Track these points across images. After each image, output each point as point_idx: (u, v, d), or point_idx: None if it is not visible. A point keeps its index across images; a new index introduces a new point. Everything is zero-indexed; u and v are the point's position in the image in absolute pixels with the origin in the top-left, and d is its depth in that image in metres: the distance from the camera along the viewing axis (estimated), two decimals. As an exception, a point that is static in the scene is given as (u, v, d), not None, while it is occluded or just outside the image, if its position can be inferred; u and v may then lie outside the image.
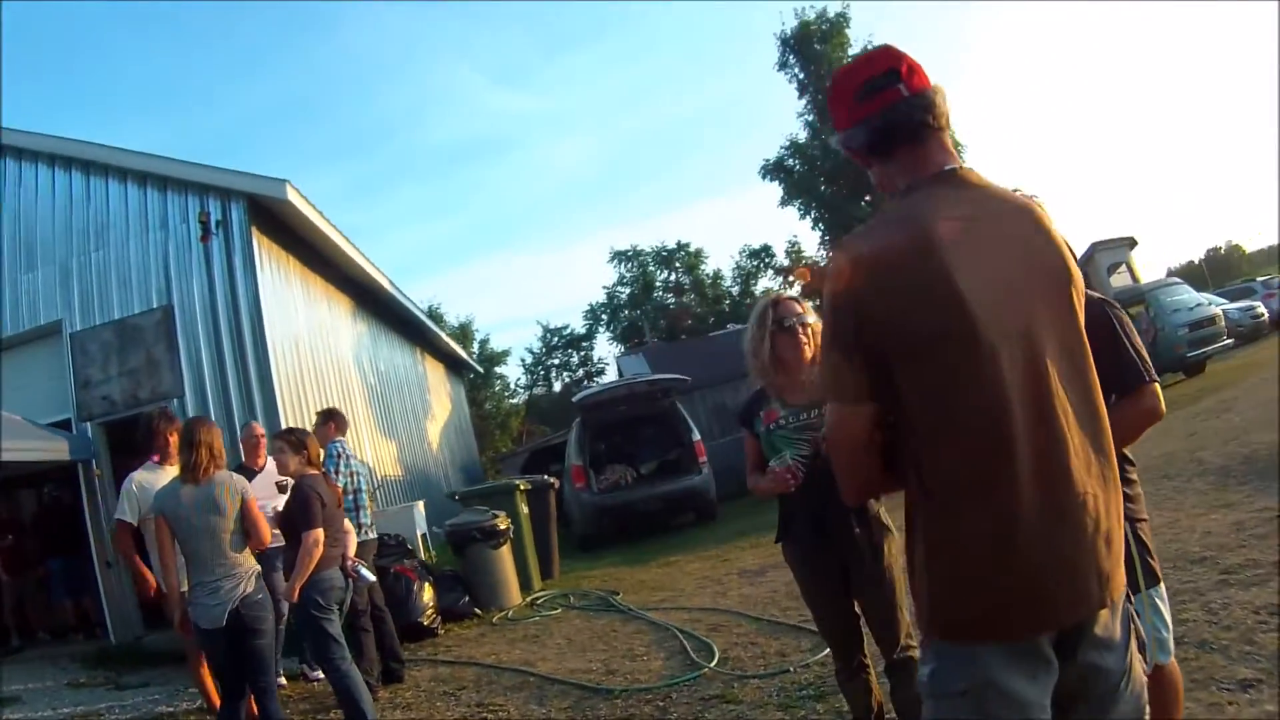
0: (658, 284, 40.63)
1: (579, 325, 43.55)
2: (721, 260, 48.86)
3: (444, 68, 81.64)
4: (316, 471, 4.64)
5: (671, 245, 40.69)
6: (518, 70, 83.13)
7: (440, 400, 19.16)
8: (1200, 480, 6.65)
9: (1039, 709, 1.33)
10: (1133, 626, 1.47)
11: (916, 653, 2.70)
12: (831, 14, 22.57)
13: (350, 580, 4.62)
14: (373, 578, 5.11)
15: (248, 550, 4.01)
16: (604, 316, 41.74)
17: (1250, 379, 12.24)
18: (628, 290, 40.75)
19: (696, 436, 12.87)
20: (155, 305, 8.32)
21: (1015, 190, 1.58)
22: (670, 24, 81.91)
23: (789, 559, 2.99)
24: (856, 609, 2.87)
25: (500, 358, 43.43)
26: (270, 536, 4.17)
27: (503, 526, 7.72)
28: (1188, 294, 16.76)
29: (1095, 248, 17.33)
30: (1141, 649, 1.92)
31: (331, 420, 6.02)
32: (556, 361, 45.56)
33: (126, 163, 8.71)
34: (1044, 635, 1.33)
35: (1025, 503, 1.30)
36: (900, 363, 1.34)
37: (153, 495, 4.33)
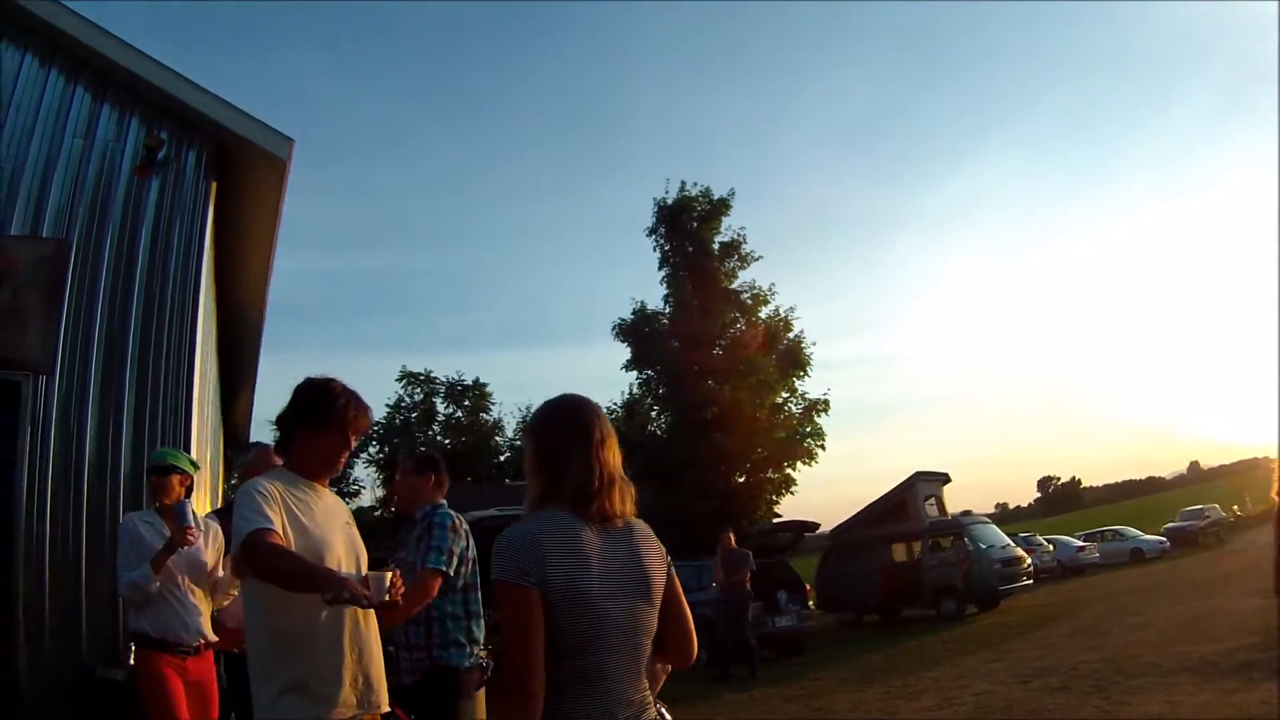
0: (440, 416, 37.56)
1: (353, 438, 38.75)
2: (510, 409, 44.66)
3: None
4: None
5: (468, 380, 37.39)
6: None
7: (214, 483, 15.83)
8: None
9: None
10: None
11: None
12: (715, 196, 22.03)
13: None
14: None
15: None
16: (376, 435, 37.34)
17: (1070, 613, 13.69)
18: (406, 415, 37.05)
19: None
20: (45, 234, 5.94)
21: None
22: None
23: None
24: None
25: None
26: None
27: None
28: (996, 533, 18.05)
29: (917, 477, 18.09)
30: None
31: (432, 474, 3.84)
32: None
33: (57, 38, 6.34)
34: None
35: None
36: None
37: None
